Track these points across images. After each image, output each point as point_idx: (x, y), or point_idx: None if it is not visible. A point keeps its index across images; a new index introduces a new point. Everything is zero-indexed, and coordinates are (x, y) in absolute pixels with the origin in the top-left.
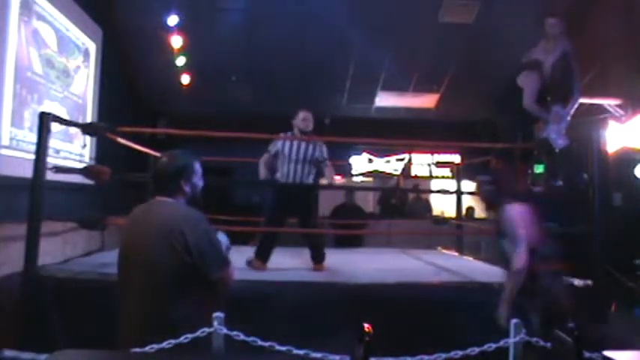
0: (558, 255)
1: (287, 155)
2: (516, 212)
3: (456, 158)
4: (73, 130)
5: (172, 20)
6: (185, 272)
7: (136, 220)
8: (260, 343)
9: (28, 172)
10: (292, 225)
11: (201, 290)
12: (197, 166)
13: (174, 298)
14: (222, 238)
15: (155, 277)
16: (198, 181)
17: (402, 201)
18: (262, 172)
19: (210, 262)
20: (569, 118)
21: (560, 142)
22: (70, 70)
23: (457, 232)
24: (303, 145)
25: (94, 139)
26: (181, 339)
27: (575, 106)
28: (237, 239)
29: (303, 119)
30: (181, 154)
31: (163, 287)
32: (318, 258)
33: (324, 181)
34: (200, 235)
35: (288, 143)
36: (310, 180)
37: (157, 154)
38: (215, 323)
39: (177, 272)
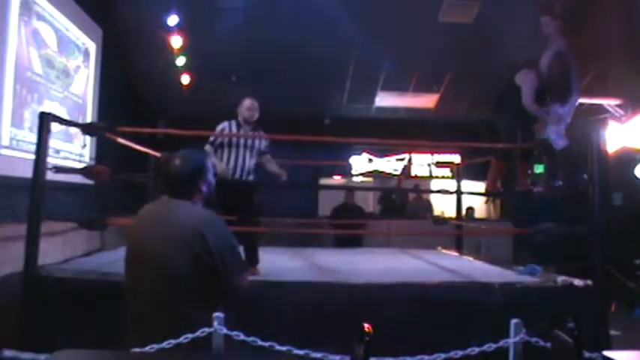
0: None
1: (234, 144)
2: None
3: (456, 158)
4: (73, 130)
5: (172, 20)
6: (204, 275)
7: (149, 222)
8: (260, 343)
9: (28, 172)
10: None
11: (218, 293)
12: (209, 163)
13: (193, 301)
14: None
15: (173, 280)
16: (212, 179)
17: (403, 201)
18: (217, 164)
19: (231, 266)
20: (568, 119)
21: (560, 142)
22: (70, 70)
23: (457, 232)
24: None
25: (94, 139)
26: (181, 339)
27: (575, 105)
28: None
29: (247, 108)
30: (193, 153)
31: (181, 290)
32: (252, 261)
33: (273, 170)
34: (221, 239)
35: (234, 132)
36: (252, 171)
37: (157, 154)
38: (215, 323)
39: (196, 275)
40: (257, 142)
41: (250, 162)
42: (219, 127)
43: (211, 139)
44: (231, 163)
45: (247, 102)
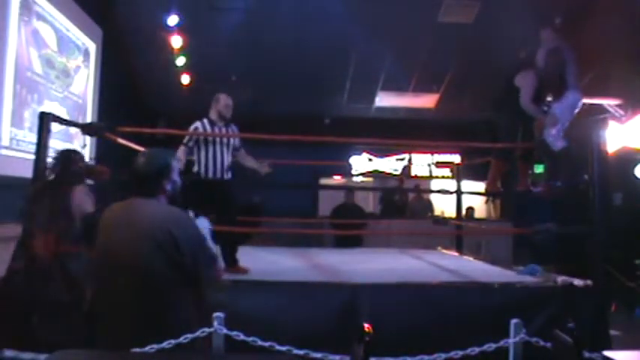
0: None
1: (210, 142)
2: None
3: (456, 158)
4: (73, 130)
5: (172, 20)
6: (175, 273)
7: (117, 222)
8: (260, 343)
9: (28, 172)
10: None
11: (192, 291)
12: (175, 164)
13: (168, 300)
14: (202, 223)
15: (146, 280)
16: (177, 179)
17: (404, 201)
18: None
19: (203, 262)
20: (567, 122)
21: (558, 144)
22: (70, 70)
23: (457, 232)
24: (222, 131)
25: (94, 139)
26: (181, 339)
27: (575, 105)
28: (237, 239)
29: (226, 105)
30: (159, 152)
31: (155, 289)
32: (233, 260)
33: (251, 165)
34: (190, 235)
35: (208, 131)
36: (229, 169)
37: None
38: (215, 323)
39: (167, 274)
40: (231, 138)
41: (227, 159)
42: (191, 128)
43: (185, 140)
44: (210, 162)
45: (224, 98)
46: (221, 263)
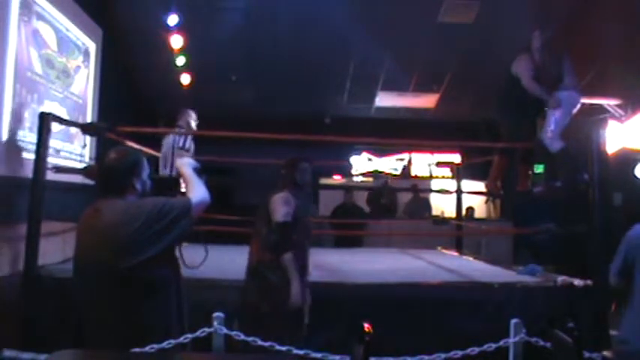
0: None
1: (192, 153)
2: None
3: (456, 158)
4: (73, 130)
5: (172, 20)
6: (140, 274)
7: (86, 226)
8: (260, 343)
9: (28, 172)
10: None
11: (165, 292)
12: (145, 163)
13: (137, 303)
14: (190, 162)
15: (109, 283)
16: (147, 179)
17: (392, 200)
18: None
19: (180, 228)
20: (564, 124)
21: (555, 145)
22: (70, 70)
23: (457, 232)
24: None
25: (94, 139)
26: (181, 339)
27: (573, 103)
28: (237, 239)
29: (195, 119)
30: (130, 149)
31: (125, 293)
32: None
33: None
34: (153, 224)
35: (189, 140)
36: None
37: (158, 154)
38: (215, 323)
39: (132, 275)
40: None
41: None
42: (188, 141)
43: (186, 146)
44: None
45: (194, 113)
46: (198, 201)
